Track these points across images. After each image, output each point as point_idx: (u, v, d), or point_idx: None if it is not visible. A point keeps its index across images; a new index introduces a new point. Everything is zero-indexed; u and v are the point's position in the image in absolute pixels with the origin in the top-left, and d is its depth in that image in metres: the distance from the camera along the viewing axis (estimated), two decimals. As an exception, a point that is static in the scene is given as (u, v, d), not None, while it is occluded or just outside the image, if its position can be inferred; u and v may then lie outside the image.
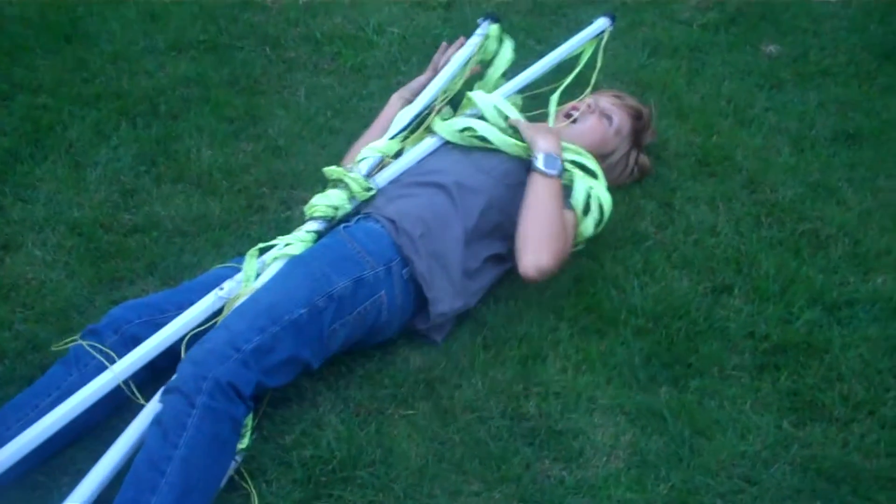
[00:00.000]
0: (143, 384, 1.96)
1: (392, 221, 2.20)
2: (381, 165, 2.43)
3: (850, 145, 2.96)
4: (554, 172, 2.27)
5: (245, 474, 1.89)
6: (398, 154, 2.48)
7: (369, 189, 2.33)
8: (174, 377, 1.83)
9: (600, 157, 2.51)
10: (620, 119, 2.62)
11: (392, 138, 2.48)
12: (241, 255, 2.20)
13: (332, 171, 2.36)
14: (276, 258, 2.15)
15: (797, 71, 3.30)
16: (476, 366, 2.18)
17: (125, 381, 1.92)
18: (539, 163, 2.28)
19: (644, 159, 2.71)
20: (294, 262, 2.12)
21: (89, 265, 2.41)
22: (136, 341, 1.99)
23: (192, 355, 1.85)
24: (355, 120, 2.96)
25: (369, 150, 2.43)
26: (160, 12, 3.50)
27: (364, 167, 2.37)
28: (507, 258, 2.33)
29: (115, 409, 1.98)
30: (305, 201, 2.35)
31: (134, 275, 2.39)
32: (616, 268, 2.45)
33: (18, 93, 3.07)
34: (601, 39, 2.89)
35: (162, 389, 1.85)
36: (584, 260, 2.46)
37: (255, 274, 2.13)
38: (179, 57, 3.28)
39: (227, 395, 1.80)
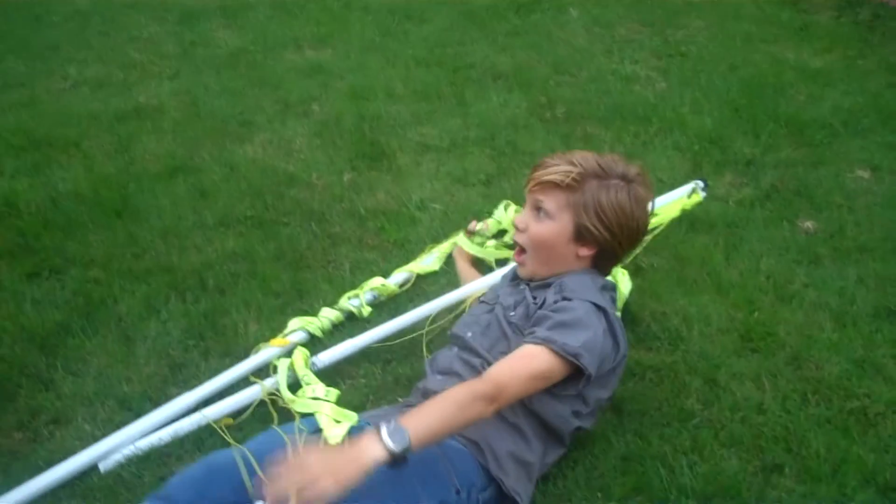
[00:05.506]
0: None
1: (475, 443, 2.13)
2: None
3: (892, 321, 2.95)
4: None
5: None
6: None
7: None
8: None
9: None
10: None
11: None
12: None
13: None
14: None
15: (834, 246, 3.33)
16: (525, 548, 2.14)
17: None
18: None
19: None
20: None
21: (137, 440, 2.41)
22: None
23: None
24: (399, 294, 3.00)
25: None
26: (209, 189, 3.64)
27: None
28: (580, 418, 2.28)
29: None
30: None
31: (182, 450, 2.39)
32: (664, 446, 2.42)
33: (71, 267, 3.16)
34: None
35: None
36: (630, 437, 2.44)
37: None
38: (227, 232, 3.38)
39: None
